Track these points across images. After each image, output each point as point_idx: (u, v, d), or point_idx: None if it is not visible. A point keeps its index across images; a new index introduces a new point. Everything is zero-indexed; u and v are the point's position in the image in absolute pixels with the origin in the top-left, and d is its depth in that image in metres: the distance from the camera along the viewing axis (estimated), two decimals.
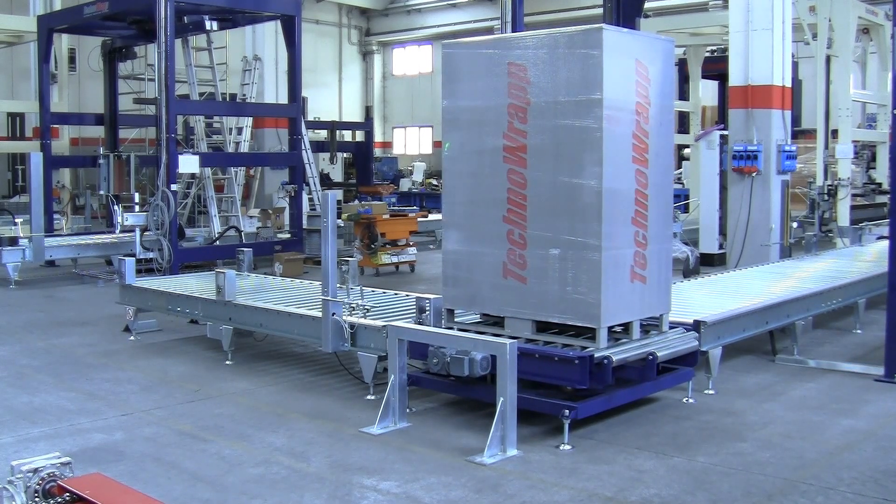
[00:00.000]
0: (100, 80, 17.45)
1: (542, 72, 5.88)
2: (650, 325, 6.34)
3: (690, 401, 6.45)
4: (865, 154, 19.03)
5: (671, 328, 6.52)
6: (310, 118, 23.69)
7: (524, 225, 5.98)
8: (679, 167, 23.17)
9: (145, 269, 11.27)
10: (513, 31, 12.14)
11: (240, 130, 18.71)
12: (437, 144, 31.67)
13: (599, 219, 5.67)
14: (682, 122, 20.73)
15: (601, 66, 5.62)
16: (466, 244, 6.31)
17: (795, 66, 14.35)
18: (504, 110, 6.04)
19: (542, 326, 6.05)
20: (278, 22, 14.71)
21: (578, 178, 5.75)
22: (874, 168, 18.90)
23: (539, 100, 5.90)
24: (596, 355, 5.56)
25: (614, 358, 5.60)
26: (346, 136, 26.01)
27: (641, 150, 5.97)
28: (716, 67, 18.21)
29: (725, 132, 12.97)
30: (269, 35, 20.20)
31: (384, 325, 6.22)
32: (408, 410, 6.03)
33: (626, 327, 6.08)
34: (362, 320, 6.59)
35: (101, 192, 15.10)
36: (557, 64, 5.81)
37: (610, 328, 5.91)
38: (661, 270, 6.22)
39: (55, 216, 16.49)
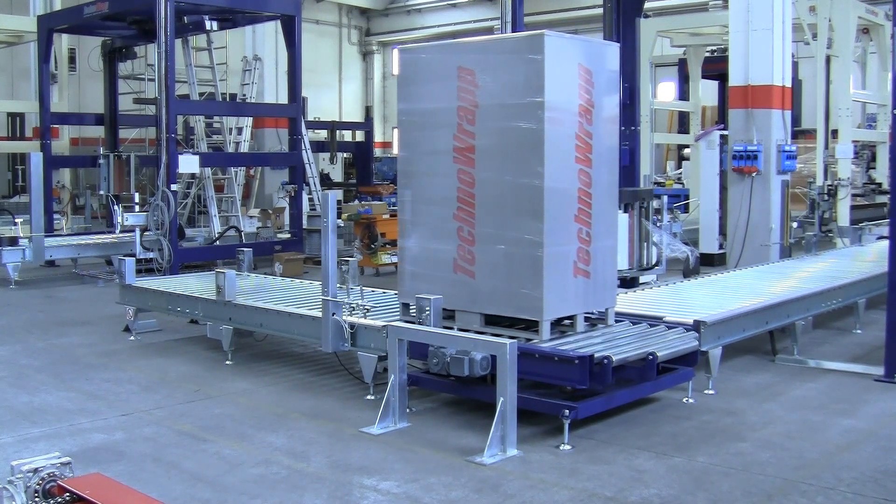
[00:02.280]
0: (100, 80, 17.45)
1: (489, 76, 6.13)
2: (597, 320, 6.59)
3: (690, 401, 6.45)
4: (865, 154, 19.01)
5: (671, 328, 6.55)
6: (310, 118, 23.67)
7: (472, 223, 6.25)
8: (679, 167, 23.23)
9: (145, 269, 11.27)
10: (513, 32, 12.11)
11: (240, 130, 18.69)
12: None
13: (541, 216, 5.92)
14: (682, 122, 20.78)
15: (543, 70, 5.84)
16: (420, 241, 6.59)
17: (795, 66, 14.36)
18: (454, 112, 6.29)
19: (491, 319, 6.26)
20: (278, 22, 14.70)
21: (522, 177, 5.99)
22: (874, 168, 18.89)
23: (486, 102, 6.15)
24: (597, 355, 5.57)
25: (614, 358, 5.61)
26: (346, 136, 25.99)
27: (585, 151, 6.19)
28: (716, 67, 18.21)
29: (725, 132, 12.97)
30: (269, 35, 20.19)
31: (384, 325, 6.22)
32: (408, 410, 6.03)
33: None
34: (362, 320, 6.59)
35: (101, 192, 15.10)
36: (503, 68, 6.07)
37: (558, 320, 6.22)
38: (606, 266, 6.47)
39: (55, 216, 16.48)
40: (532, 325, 6.11)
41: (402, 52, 6.78)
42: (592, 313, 6.58)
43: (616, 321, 6.80)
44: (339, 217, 13.08)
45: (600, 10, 10.80)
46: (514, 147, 6.02)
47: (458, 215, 6.31)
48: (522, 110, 5.95)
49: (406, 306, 6.71)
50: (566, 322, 6.39)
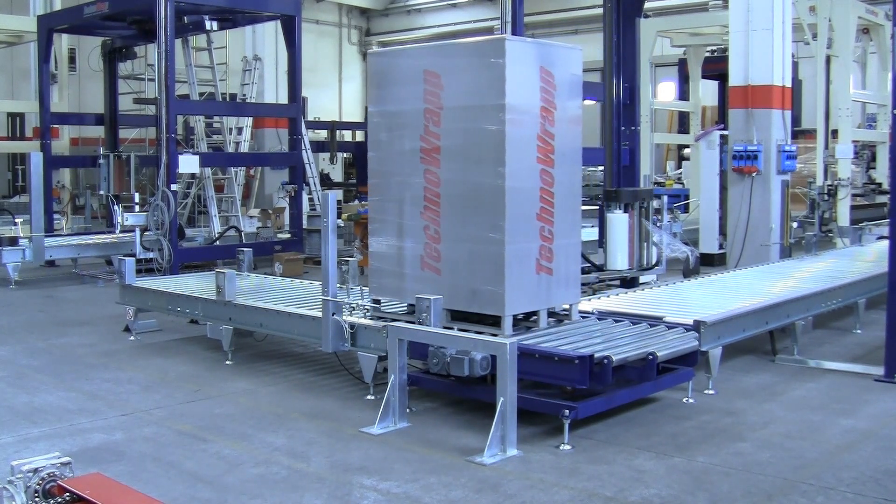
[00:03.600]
0: (100, 80, 17.45)
1: (453, 79, 6.35)
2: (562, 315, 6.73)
3: (690, 401, 6.45)
4: (865, 154, 19.01)
5: (671, 328, 6.55)
6: (310, 118, 23.64)
7: (438, 221, 6.46)
8: (679, 167, 23.23)
9: (145, 269, 11.27)
10: (513, 31, 12.10)
11: (240, 130, 18.69)
12: None
13: (503, 215, 6.10)
14: (682, 122, 20.77)
15: (504, 74, 6.04)
16: (389, 238, 6.77)
17: (795, 66, 14.35)
18: (421, 114, 6.50)
19: (457, 315, 6.44)
20: (278, 22, 14.70)
21: (484, 177, 6.19)
22: (874, 168, 18.89)
23: (450, 105, 6.36)
24: (597, 355, 5.57)
25: (614, 358, 5.61)
26: (346, 136, 25.97)
27: (546, 151, 6.37)
28: (716, 67, 18.20)
29: (725, 132, 12.97)
30: (269, 35, 20.17)
31: (384, 325, 6.23)
32: (408, 410, 6.03)
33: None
34: (362, 320, 6.59)
35: (101, 192, 15.10)
36: (467, 72, 6.28)
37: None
38: (569, 263, 6.62)
39: (55, 216, 16.48)
40: (497, 321, 6.22)
41: (372, 56, 7.02)
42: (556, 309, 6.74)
43: (615, 321, 6.83)
44: (339, 217, 13.08)
45: (600, 10, 10.80)
46: (477, 148, 6.22)
47: (424, 214, 6.52)
48: (484, 112, 6.15)
49: (377, 302, 6.91)
50: (532, 318, 6.53)
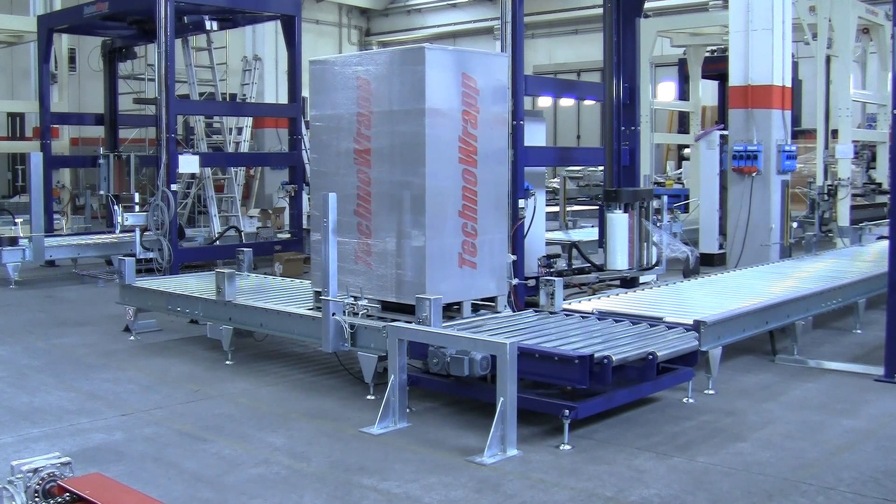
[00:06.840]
0: (100, 80, 17.42)
1: (381, 85, 6.82)
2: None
3: (690, 401, 6.46)
4: (865, 154, 18.99)
5: (671, 328, 6.55)
6: (310, 118, 23.64)
7: (369, 217, 6.94)
8: (679, 167, 23.21)
9: (145, 269, 11.27)
10: (513, 31, 12.07)
11: (240, 130, 18.68)
12: None
13: (423, 212, 6.54)
14: (682, 122, 20.76)
15: (424, 80, 6.47)
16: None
17: (795, 66, 14.33)
18: (354, 118, 7.00)
19: (388, 305, 6.86)
20: (278, 22, 14.70)
21: (408, 176, 6.65)
22: (874, 168, 18.87)
23: (379, 109, 6.84)
24: (597, 355, 5.57)
25: (614, 358, 5.61)
26: None
27: (469, 152, 6.78)
28: (716, 67, 18.18)
29: (725, 132, 12.96)
30: (269, 35, 20.18)
31: (384, 325, 6.23)
32: (408, 410, 6.03)
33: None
34: (362, 320, 6.60)
35: (101, 192, 15.08)
36: (393, 78, 6.75)
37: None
38: (493, 257, 7.03)
39: (55, 216, 16.46)
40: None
41: (313, 64, 7.41)
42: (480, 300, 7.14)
43: (615, 321, 6.83)
44: None
45: (600, 10, 10.78)
46: (401, 149, 6.67)
47: (357, 211, 6.99)
48: (408, 116, 6.59)
49: (318, 294, 7.16)
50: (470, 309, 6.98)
